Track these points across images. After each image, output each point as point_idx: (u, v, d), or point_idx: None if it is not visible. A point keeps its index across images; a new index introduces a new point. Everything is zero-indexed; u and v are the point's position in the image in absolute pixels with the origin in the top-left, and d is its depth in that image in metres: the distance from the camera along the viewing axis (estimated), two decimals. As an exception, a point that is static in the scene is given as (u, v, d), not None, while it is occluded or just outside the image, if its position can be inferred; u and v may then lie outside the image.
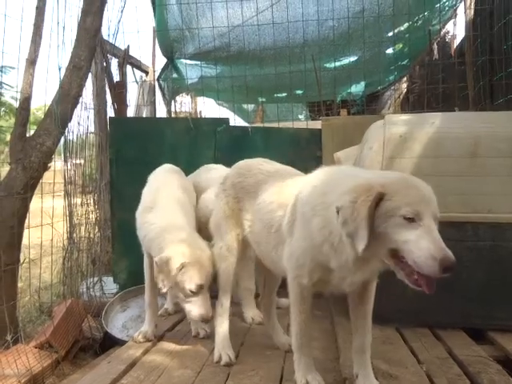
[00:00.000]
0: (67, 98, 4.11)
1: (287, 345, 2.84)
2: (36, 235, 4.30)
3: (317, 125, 5.25)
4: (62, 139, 4.69)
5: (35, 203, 4.26)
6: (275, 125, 5.64)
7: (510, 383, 2.52)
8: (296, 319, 2.44)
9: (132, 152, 4.84)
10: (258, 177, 2.86)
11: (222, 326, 2.91)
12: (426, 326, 3.41)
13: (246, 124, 10.29)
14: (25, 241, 4.35)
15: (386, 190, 1.97)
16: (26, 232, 4.18)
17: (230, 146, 4.77)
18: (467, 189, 3.26)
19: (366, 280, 2.31)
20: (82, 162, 5.72)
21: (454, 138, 3.34)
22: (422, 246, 1.87)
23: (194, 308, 2.87)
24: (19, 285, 4.48)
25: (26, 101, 4.04)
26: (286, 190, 2.57)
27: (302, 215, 2.30)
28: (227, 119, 5.10)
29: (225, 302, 2.94)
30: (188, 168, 4.16)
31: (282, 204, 2.53)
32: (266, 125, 6.61)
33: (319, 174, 2.36)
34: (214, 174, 3.89)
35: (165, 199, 3.33)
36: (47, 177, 4.78)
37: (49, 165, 4.12)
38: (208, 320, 2.89)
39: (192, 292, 2.84)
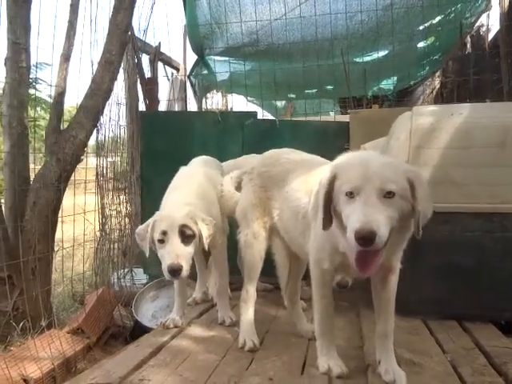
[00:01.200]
0: (99, 92, 4.22)
1: (311, 332, 2.85)
2: (71, 229, 4.44)
3: (345, 119, 5.25)
4: (95, 133, 4.85)
5: (69, 200, 4.41)
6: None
7: (536, 373, 2.49)
8: (318, 305, 2.48)
9: (161, 146, 4.92)
10: (285, 166, 2.90)
11: (247, 313, 2.95)
12: (454, 318, 3.38)
13: (276, 120, 10.28)
14: (59, 234, 4.51)
15: (338, 170, 2.13)
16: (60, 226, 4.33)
17: (257, 139, 4.80)
18: (495, 179, 3.22)
19: (386, 266, 2.31)
20: (114, 156, 5.86)
21: (482, 127, 3.30)
22: (351, 218, 1.93)
23: (162, 259, 2.92)
24: (54, 276, 4.64)
25: (60, 95, 4.18)
26: (311, 178, 2.60)
27: None
28: (255, 113, 5.15)
29: (250, 289, 2.98)
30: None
31: (308, 191, 2.56)
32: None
33: (341, 159, 2.38)
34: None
35: (183, 183, 3.45)
36: (82, 174, 4.95)
37: (81, 157, 4.24)
38: (176, 270, 2.83)
39: (160, 241, 2.93)
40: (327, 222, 2.15)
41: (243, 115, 5.11)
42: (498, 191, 3.22)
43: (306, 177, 2.67)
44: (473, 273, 3.29)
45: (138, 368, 2.52)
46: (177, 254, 2.87)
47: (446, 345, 2.89)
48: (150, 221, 3.02)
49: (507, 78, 6.04)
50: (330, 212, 2.16)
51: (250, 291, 2.98)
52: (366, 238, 1.84)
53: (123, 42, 4.35)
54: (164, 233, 2.91)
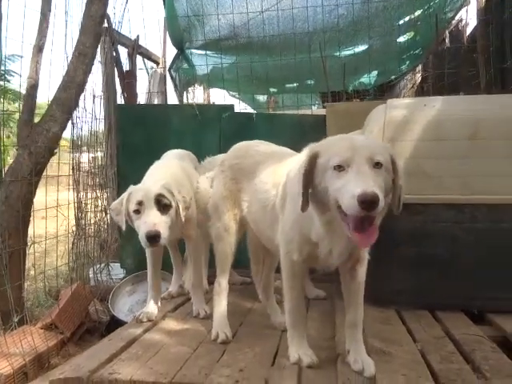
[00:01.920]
0: (72, 85, 4.17)
1: (284, 324, 2.85)
2: (50, 225, 4.40)
3: (323, 112, 5.25)
4: (70, 126, 4.80)
5: (43, 196, 4.36)
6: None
7: (503, 360, 2.52)
8: (288, 296, 2.49)
9: (139, 139, 4.89)
10: (255, 158, 2.90)
11: (220, 305, 2.95)
12: (426, 307, 3.41)
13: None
14: (36, 229, 4.45)
15: (321, 148, 2.12)
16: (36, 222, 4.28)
17: (235, 132, 4.78)
18: (466, 171, 3.25)
19: (354, 255, 2.33)
20: (93, 151, 5.80)
21: (454, 120, 3.34)
22: (347, 188, 1.91)
23: (139, 229, 2.92)
24: (31, 272, 4.59)
25: (32, 88, 4.12)
26: (280, 170, 2.61)
27: (290, 191, 2.35)
28: (232, 105, 5.13)
29: (222, 282, 2.98)
30: (194, 154, 4.22)
31: (276, 183, 2.57)
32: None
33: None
34: None
35: (158, 172, 3.46)
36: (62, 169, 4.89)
37: (55, 151, 4.18)
38: (153, 236, 2.86)
39: (135, 212, 2.94)
40: (305, 204, 2.13)
41: (220, 108, 5.11)
42: (469, 182, 3.25)
43: (275, 169, 2.68)
44: (445, 263, 3.32)
45: (109, 362, 2.50)
46: (154, 222, 2.88)
47: (417, 334, 2.92)
48: (125, 194, 3.04)
49: (484, 73, 6.09)
50: (307, 194, 2.15)
51: (223, 284, 2.98)
52: (370, 201, 1.82)
53: (97, 34, 4.30)
54: (140, 203, 2.92)
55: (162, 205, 2.97)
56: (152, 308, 3.31)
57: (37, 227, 4.36)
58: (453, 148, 3.29)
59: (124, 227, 3.03)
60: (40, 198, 4.37)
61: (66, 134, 4.99)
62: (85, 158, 5.62)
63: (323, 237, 2.21)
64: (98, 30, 4.31)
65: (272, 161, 2.78)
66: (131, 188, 3.06)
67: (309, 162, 2.11)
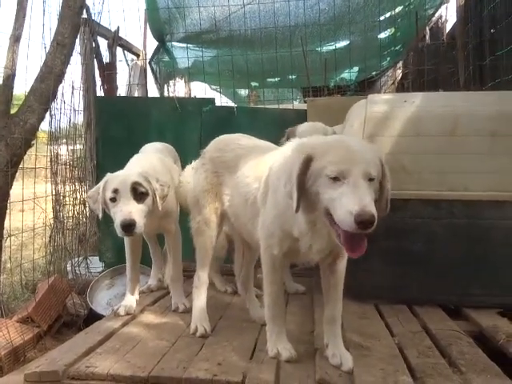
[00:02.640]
0: (50, 76, 4.10)
1: (263, 318, 2.86)
2: (24, 218, 4.33)
3: (304, 107, 5.26)
4: (49, 118, 4.73)
5: (21, 188, 4.29)
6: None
7: (478, 354, 2.56)
8: (268, 290, 2.49)
9: (118, 132, 4.84)
10: (236, 152, 2.89)
11: (199, 299, 2.94)
12: (405, 302, 3.45)
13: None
14: (14, 222, 4.39)
15: (315, 151, 2.08)
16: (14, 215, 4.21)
17: (215, 126, 4.76)
18: (444, 167, 3.29)
19: (335, 251, 2.34)
20: (72, 143, 5.72)
21: (433, 116, 3.36)
22: (343, 202, 1.91)
23: (115, 218, 2.89)
24: (8, 264, 4.52)
25: (8, 78, 4.03)
26: (261, 164, 2.60)
27: (272, 185, 2.34)
28: (213, 99, 5.11)
29: (202, 275, 2.97)
30: (175, 148, 4.18)
31: (258, 177, 2.56)
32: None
33: (291, 146, 2.37)
34: None
35: (137, 164, 3.43)
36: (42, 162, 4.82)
37: (32, 142, 4.11)
38: (128, 225, 2.83)
39: (112, 200, 2.92)
40: (298, 204, 2.10)
41: (201, 102, 5.08)
42: (446, 179, 3.29)
43: (257, 162, 2.67)
44: (423, 258, 3.36)
45: (86, 355, 2.48)
46: (129, 210, 2.85)
47: (394, 328, 2.95)
48: (101, 182, 3.02)
49: (463, 70, 6.16)
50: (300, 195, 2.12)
51: (202, 277, 2.97)
52: (367, 222, 1.83)
53: (76, 24, 4.22)
54: (115, 191, 2.89)
55: (139, 193, 2.95)
56: (130, 301, 3.29)
57: (15, 220, 4.29)
58: (431, 144, 3.32)
59: (101, 215, 3.01)
60: (18, 190, 4.30)
61: (45, 125, 4.94)
62: (63, 150, 5.53)
63: (305, 233, 2.21)
64: (76, 21, 4.23)
65: (254, 155, 2.77)
66: (108, 176, 3.03)
67: (303, 165, 2.07)
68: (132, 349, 2.58)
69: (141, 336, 2.79)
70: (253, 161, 2.72)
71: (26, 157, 4.36)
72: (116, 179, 2.95)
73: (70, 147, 5.53)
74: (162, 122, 4.92)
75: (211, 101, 5.08)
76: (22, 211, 4.17)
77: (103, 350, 2.56)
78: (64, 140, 5.38)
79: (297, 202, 2.07)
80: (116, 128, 4.88)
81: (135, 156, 3.63)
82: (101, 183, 3.01)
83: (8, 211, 4.11)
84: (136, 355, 2.49)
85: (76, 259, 4.98)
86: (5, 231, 4.15)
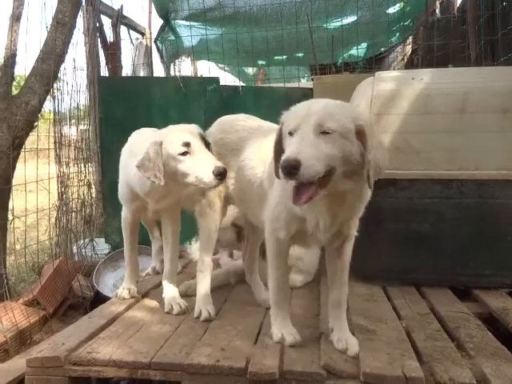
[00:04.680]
0: (51, 56, 4.03)
1: (268, 302, 2.82)
2: (31, 200, 4.32)
3: (311, 85, 5.16)
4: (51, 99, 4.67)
5: (29, 170, 4.26)
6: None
7: (487, 337, 2.52)
8: (273, 274, 2.45)
9: (121, 112, 4.78)
10: (240, 133, 2.81)
11: (203, 283, 2.90)
12: (413, 284, 3.40)
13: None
14: (18, 204, 4.36)
15: (285, 115, 2.14)
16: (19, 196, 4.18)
17: (220, 105, 4.69)
18: (454, 145, 3.21)
19: (344, 233, 2.30)
20: (77, 124, 5.67)
21: (442, 93, 3.27)
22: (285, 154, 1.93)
23: (199, 168, 2.52)
24: (17, 247, 4.51)
25: (9, 59, 3.97)
26: (266, 146, 2.51)
27: None
28: (217, 78, 5.02)
29: (206, 259, 2.92)
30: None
31: (263, 160, 2.51)
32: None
33: None
34: None
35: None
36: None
37: (34, 123, 4.07)
38: (222, 173, 2.49)
39: (183, 153, 2.55)
40: (277, 172, 2.09)
41: (205, 81, 5.00)
42: (456, 157, 3.21)
43: (261, 144, 2.60)
44: (431, 239, 3.30)
45: (88, 340, 2.47)
46: (213, 157, 2.58)
47: (402, 311, 2.91)
48: (151, 146, 2.58)
49: (474, 45, 6.00)
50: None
51: (206, 261, 2.92)
52: (289, 167, 1.83)
53: (76, 2, 4.13)
54: (187, 144, 2.55)
55: (207, 144, 2.67)
56: (131, 283, 3.24)
57: (22, 201, 4.27)
58: (441, 122, 3.23)
59: (163, 182, 2.55)
60: (27, 171, 4.28)
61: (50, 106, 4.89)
62: (68, 131, 5.48)
63: (306, 207, 2.14)
64: (76, -1, 4.15)
65: (258, 136, 2.70)
66: (156, 139, 2.61)
67: (279, 129, 2.15)
68: (135, 333, 2.56)
69: (144, 320, 2.76)
70: (257, 143, 2.66)
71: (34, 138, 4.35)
72: (182, 133, 2.62)
73: (74, 128, 5.48)
74: (166, 101, 4.85)
75: (216, 80, 4.99)
76: (25, 193, 4.14)
77: (106, 335, 2.54)
78: (68, 121, 5.33)
79: (275, 168, 2.13)
80: (120, 108, 4.83)
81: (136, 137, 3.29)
82: (150, 148, 2.58)
83: (13, 193, 4.09)
84: (139, 340, 2.46)
85: (82, 241, 4.98)
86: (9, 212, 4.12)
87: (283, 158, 1.86)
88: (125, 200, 3.11)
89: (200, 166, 2.52)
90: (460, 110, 3.20)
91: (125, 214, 3.15)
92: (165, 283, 3.07)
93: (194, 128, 2.73)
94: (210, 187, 2.58)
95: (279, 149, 2.12)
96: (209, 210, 2.88)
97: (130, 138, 3.18)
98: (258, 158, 2.58)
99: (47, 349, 2.35)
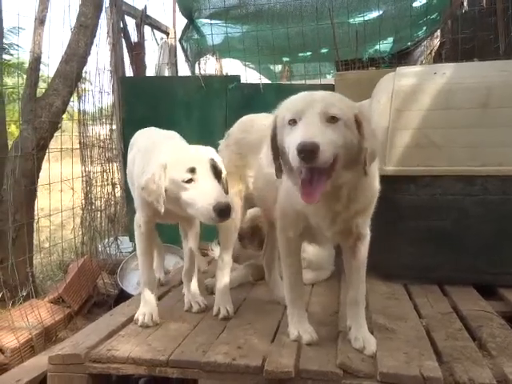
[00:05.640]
0: (75, 58, 4.11)
1: (286, 299, 2.83)
2: (58, 199, 4.41)
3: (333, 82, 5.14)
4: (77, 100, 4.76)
5: (56, 169, 4.35)
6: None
7: (510, 336, 2.45)
8: (286, 272, 2.45)
9: (144, 112, 4.84)
10: (261, 132, 2.80)
11: (223, 281, 2.90)
12: (435, 282, 3.34)
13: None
14: (44, 203, 4.46)
15: (280, 107, 2.08)
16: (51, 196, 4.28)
17: (241, 103, 4.71)
18: (477, 141, 3.13)
19: (353, 231, 2.28)
20: (104, 124, 5.76)
21: (465, 88, 3.20)
22: (292, 140, 1.86)
23: (199, 200, 2.32)
24: (45, 245, 4.62)
25: (35, 61, 4.06)
26: None
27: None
28: (238, 76, 5.03)
29: (225, 257, 2.92)
30: (200, 127, 4.15)
31: None
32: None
33: None
34: None
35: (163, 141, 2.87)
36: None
37: (59, 125, 4.15)
38: (226, 209, 2.29)
39: (187, 181, 2.37)
40: (278, 169, 2.10)
41: (226, 79, 5.03)
42: (479, 153, 3.13)
43: None
44: (454, 236, 3.24)
45: (108, 338, 2.50)
46: (219, 190, 2.37)
47: (423, 309, 2.86)
48: (157, 169, 2.42)
49: (504, 37, 5.87)
50: (278, 157, 2.10)
51: (226, 259, 2.92)
52: (307, 151, 1.75)
53: (98, 5, 4.20)
54: (192, 170, 2.37)
55: (217, 172, 2.46)
56: (149, 308, 2.76)
57: (52, 200, 4.36)
58: (463, 117, 3.16)
59: (163, 208, 2.41)
60: (54, 171, 4.37)
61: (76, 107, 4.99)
62: (93, 131, 5.57)
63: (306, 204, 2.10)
64: (98, 1, 4.21)
65: None
66: (161, 162, 2.44)
67: (273, 123, 2.07)
68: (154, 331, 2.59)
69: (164, 318, 2.78)
70: None
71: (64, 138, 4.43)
72: (189, 158, 2.43)
73: (97, 128, 5.56)
74: (188, 100, 4.89)
75: (237, 78, 5.01)
76: (49, 193, 4.22)
77: (126, 333, 2.57)
78: (93, 121, 5.42)
79: (275, 165, 2.08)
80: (142, 108, 4.89)
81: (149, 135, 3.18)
82: (156, 170, 2.42)
83: (43, 193, 4.19)
84: (157, 338, 2.49)
85: (107, 240, 5.06)
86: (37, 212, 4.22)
87: (298, 142, 1.77)
88: (139, 205, 2.79)
89: (201, 199, 2.32)
90: (483, 105, 3.12)
91: (138, 221, 2.81)
92: (185, 281, 3.02)
93: (205, 152, 2.51)
94: (208, 222, 2.38)
95: (275, 145, 2.07)
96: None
97: (138, 141, 3.02)
98: None
99: (68, 346, 2.40)
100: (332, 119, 1.89)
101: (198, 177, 2.37)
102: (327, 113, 1.89)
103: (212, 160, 2.46)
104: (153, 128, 3.30)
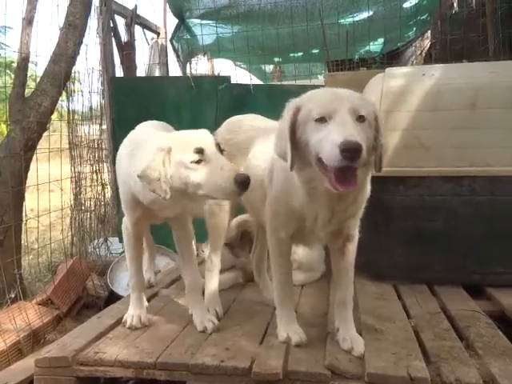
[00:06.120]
0: (63, 58, 4.08)
1: (276, 301, 2.82)
2: (48, 199, 4.38)
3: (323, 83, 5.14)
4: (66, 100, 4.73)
5: (43, 170, 4.32)
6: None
7: (498, 336, 2.47)
8: (276, 273, 2.45)
9: (134, 112, 4.79)
10: (248, 133, 2.82)
11: (212, 282, 2.91)
12: (425, 282, 3.36)
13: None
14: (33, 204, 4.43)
15: (302, 101, 2.05)
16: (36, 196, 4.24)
17: (231, 104, 4.69)
18: (465, 142, 3.15)
19: (344, 233, 2.29)
20: (92, 124, 5.74)
21: (453, 89, 3.22)
22: (329, 138, 1.84)
23: (216, 179, 2.20)
24: (31, 247, 4.59)
25: (23, 61, 4.03)
26: (271, 146, 2.51)
27: (276, 163, 2.31)
28: (228, 77, 5.02)
29: (214, 259, 2.93)
30: (190, 127, 4.11)
31: (267, 159, 2.49)
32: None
33: None
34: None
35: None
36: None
37: (47, 125, 4.13)
38: (244, 177, 2.19)
39: (196, 162, 2.23)
40: (293, 161, 2.04)
41: (216, 80, 5.01)
42: (467, 154, 3.15)
43: (268, 144, 2.57)
44: (443, 237, 3.25)
45: (96, 340, 2.49)
46: (232, 164, 2.31)
47: (412, 310, 2.87)
48: (157, 155, 2.24)
49: (493, 38, 5.89)
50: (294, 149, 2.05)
51: (215, 260, 2.93)
52: (353, 150, 1.75)
53: (86, 4, 4.18)
54: (200, 151, 2.24)
55: (222, 152, 2.36)
56: (138, 309, 2.75)
57: (41, 201, 4.32)
58: (451, 118, 3.18)
59: (168, 195, 2.23)
60: (44, 172, 4.34)
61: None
62: (83, 131, 5.55)
63: (305, 201, 2.14)
64: (86, 0, 4.18)
65: (266, 136, 2.68)
66: (161, 145, 2.26)
67: (292, 115, 2.03)
68: (142, 333, 2.58)
69: (152, 320, 2.77)
70: (263, 143, 2.64)
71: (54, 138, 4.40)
72: (195, 140, 2.29)
73: (87, 128, 5.54)
74: (178, 101, 4.87)
75: (227, 79, 4.99)
76: (38, 194, 4.19)
77: (114, 335, 2.56)
78: (83, 121, 5.39)
79: (291, 157, 2.01)
80: (132, 108, 4.85)
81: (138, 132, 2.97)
82: (155, 156, 2.25)
83: (32, 194, 4.15)
84: (145, 340, 2.48)
85: (96, 241, 5.03)
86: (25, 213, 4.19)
87: (340, 141, 1.75)
88: (126, 207, 2.66)
89: (219, 175, 2.20)
90: (471, 106, 3.14)
91: (126, 224, 2.72)
92: (189, 298, 2.80)
93: (206, 133, 2.42)
94: (229, 197, 2.34)
95: (293, 136, 2.03)
96: (217, 210, 2.88)
97: (130, 135, 2.80)
98: (262, 157, 2.56)
99: (55, 349, 2.39)
100: (359, 118, 1.91)
101: (210, 156, 2.25)
102: (357, 112, 1.91)
103: (215, 139, 2.41)
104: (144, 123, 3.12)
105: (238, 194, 2.25)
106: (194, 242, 2.90)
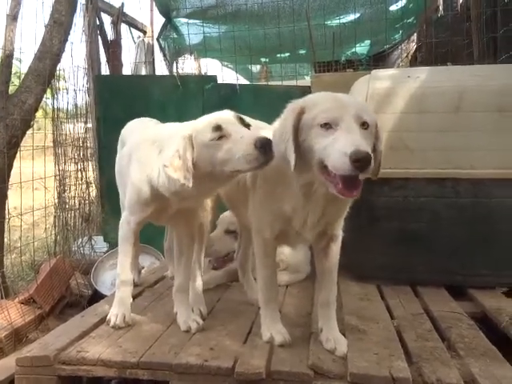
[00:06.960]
0: (48, 55, 4.04)
1: (260, 301, 2.83)
2: (31, 198, 4.34)
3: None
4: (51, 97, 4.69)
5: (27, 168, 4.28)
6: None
7: (479, 337, 2.50)
8: (261, 274, 2.45)
9: (119, 110, 4.77)
10: None
11: (196, 281, 2.91)
12: (408, 283, 3.38)
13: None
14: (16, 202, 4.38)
15: (307, 104, 2.01)
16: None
17: (218, 103, 4.66)
18: (449, 144, 3.19)
19: (328, 233, 2.29)
20: (77, 122, 5.69)
21: (438, 92, 3.25)
22: (337, 146, 1.84)
23: (237, 150, 2.14)
24: (17, 244, 4.53)
25: (7, 58, 3.99)
26: None
27: None
28: (215, 76, 5.02)
29: (198, 258, 2.93)
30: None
31: None
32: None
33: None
34: None
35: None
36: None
37: (31, 122, 4.09)
38: (265, 140, 2.09)
39: (218, 139, 2.18)
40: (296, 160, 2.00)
41: (203, 79, 5.01)
42: (451, 156, 3.19)
43: None
44: (426, 238, 3.29)
45: (79, 339, 2.46)
46: (253, 132, 2.24)
47: (395, 310, 2.89)
48: (180, 144, 2.21)
49: (477, 42, 5.95)
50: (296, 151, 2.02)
51: (198, 260, 2.93)
52: (364, 160, 1.76)
53: (72, 2, 4.14)
54: (218, 128, 2.19)
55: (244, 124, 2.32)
56: (123, 308, 2.69)
57: (25, 200, 4.28)
58: (436, 121, 3.21)
59: (191, 183, 2.20)
60: (30, 170, 4.30)
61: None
62: (68, 129, 5.50)
63: (299, 204, 2.14)
64: (73, -3, 4.16)
65: None
66: (185, 134, 2.24)
67: (296, 117, 2.00)
68: (126, 333, 2.55)
69: (136, 319, 2.74)
70: None
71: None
72: (215, 120, 2.25)
73: (73, 126, 5.50)
74: (164, 100, 4.86)
75: (213, 78, 5.00)
76: (21, 192, 4.15)
77: (97, 334, 2.53)
78: (67, 119, 5.35)
79: (294, 157, 1.97)
80: (117, 107, 4.83)
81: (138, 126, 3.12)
82: (179, 145, 2.22)
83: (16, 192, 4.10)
84: (129, 339, 2.46)
85: (81, 239, 5.00)
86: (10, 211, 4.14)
87: (351, 150, 1.75)
88: (135, 206, 2.59)
89: (239, 146, 2.14)
90: (455, 109, 3.18)
91: (129, 221, 2.65)
92: (176, 297, 2.74)
93: (226, 111, 2.36)
94: (255, 165, 2.13)
95: (295, 129, 1.99)
96: (200, 210, 2.87)
97: (142, 134, 2.74)
98: None
99: (37, 348, 2.36)
100: (363, 125, 1.92)
101: (228, 130, 2.19)
102: (361, 118, 1.92)
103: (236, 114, 2.34)
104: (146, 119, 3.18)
105: (263, 161, 2.11)
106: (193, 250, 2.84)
